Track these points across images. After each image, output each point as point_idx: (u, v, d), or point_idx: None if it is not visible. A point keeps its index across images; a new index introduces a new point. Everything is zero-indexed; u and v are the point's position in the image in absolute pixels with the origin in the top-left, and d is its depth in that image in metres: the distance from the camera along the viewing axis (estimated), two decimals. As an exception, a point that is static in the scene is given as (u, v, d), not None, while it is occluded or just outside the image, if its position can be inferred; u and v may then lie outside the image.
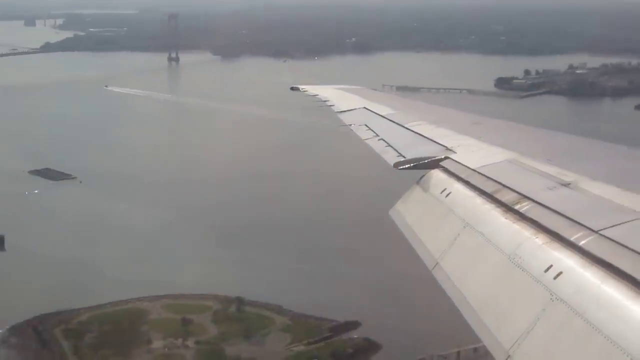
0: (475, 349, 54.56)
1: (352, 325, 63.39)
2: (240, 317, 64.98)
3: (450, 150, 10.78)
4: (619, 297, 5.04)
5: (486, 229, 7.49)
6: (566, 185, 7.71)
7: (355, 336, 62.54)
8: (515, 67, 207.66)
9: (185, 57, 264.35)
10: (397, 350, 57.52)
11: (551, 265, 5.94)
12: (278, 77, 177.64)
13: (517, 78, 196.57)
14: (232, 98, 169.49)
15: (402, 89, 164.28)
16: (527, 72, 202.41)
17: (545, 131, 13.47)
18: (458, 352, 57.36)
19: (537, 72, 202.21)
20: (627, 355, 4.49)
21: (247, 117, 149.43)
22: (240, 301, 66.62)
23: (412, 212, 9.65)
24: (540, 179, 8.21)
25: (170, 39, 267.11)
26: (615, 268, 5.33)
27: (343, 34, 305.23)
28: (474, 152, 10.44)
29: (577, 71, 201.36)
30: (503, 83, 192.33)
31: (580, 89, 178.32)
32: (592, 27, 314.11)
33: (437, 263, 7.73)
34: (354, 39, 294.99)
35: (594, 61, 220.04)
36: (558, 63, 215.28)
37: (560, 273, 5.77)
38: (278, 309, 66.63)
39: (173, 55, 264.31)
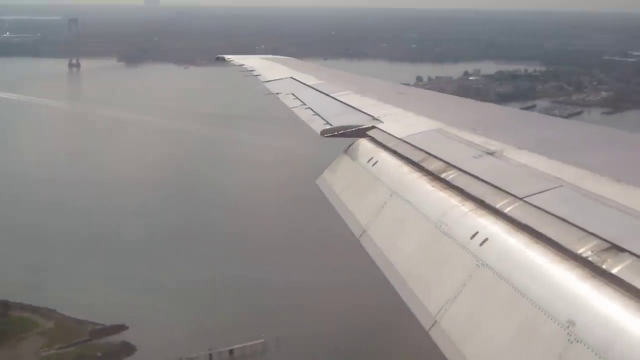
0: (231, 351, 54.90)
1: (116, 328, 59.80)
2: (1, 322, 60.58)
3: (377, 119, 10.91)
4: (543, 262, 5.22)
5: (413, 197, 7.57)
6: (491, 154, 7.86)
7: (115, 340, 58.80)
8: (415, 73, 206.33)
9: (88, 63, 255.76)
10: (150, 353, 54.86)
11: (477, 232, 6.09)
12: (176, 83, 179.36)
13: (408, 84, 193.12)
14: (123, 104, 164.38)
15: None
16: (418, 79, 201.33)
17: (470, 101, 13.64)
18: (210, 355, 54.88)
19: (430, 79, 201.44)
20: (551, 318, 4.65)
21: (135, 123, 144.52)
22: (4, 305, 62.29)
23: (339, 181, 9.67)
24: (465, 147, 8.34)
25: (71, 44, 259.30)
26: (539, 234, 5.53)
27: (255, 41, 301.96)
28: (399, 122, 10.58)
29: (470, 78, 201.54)
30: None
31: (466, 94, 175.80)
32: (503, 35, 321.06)
33: (364, 231, 7.75)
34: (263, 46, 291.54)
35: (496, 68, 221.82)
36: (459, 69, 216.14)
37: (486, 240, 5.92)
38: (47, 313, 62.40)
39: (74, 61, 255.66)
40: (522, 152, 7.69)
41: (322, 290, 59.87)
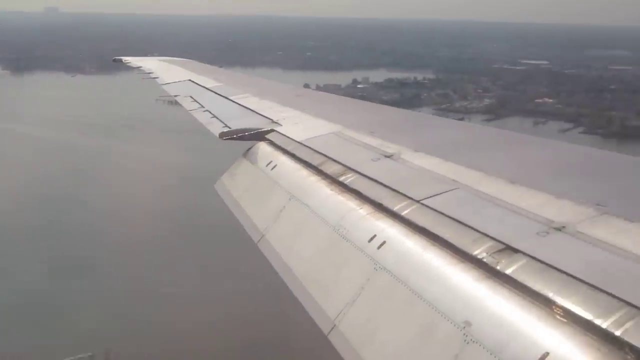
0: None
1: None
2: None
3: (276, 122, 11.00)
4: (439, 264, 5.31)
5: (312, 201, 7.63)
6: (389, 156, 7.96)
7: None
8: (307, 81, 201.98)
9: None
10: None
11: (375, 235, 6.14)
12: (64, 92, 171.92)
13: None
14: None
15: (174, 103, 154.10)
16: (306, 86, 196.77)
17: (368, 104, 14.01)
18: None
19: (318, 86, 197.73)
20: (447, 320, 4.73)
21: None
22: None
23: (238, 186, 9.65)
24: (363, 150, 8.43)
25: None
26: (436, 236, 5.62)
27: (149, 48, 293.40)
28: (298, 124, 10.65)
29: (359, 85, 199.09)
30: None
31: None
32: (401, 44, 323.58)
33: (262, 236, 7.78)
34: (156, 54, 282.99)
35: (388, 75, 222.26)
36: (351, 77, 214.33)
37: (384, 242, 5.97)
38: None
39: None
40: (419, 155, 7.80)
41: (206, 299, 55.99)
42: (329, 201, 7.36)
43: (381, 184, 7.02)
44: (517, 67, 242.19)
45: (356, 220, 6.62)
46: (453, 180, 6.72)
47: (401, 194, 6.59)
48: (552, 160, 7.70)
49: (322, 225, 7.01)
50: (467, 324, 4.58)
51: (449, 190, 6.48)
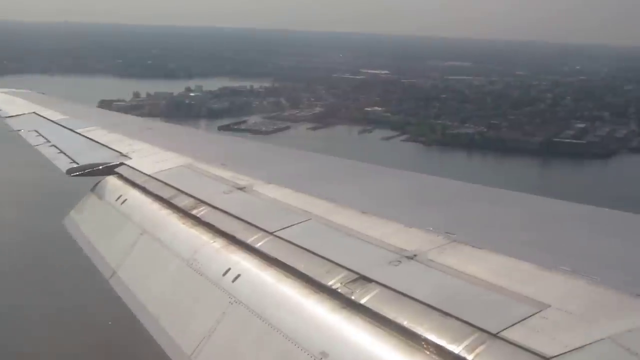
0: None
1: None
2: None
3: (125, 155, 10.79)
4: (294, 296, 5.37)
5: (164, 235, 7.54)
6: (241, 189, 8.05)
7: None
8: (137, 89, 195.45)
9: None
10: None
11: (229, 269, 6.15)
12: None
13: (123, 100, 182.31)
14: None
15: None
16: (136, 94, 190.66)
17: (217, 136, 15.27)
18: None
19: (148, 95, 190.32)
20: (304, 351, 4.78)
21: None
22: None
23: (87, 221, 9.37)
24: (215, 183, 8.48)
25: None
26: (291, 267, 5.68)
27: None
28: (148, 158, 10.48)
29: (191, 94, 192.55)
30: (105, 105, 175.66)
31: (176, 110, 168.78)
32: (245, 53, 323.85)
33: (114, 272, 7.57)
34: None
35: (226, 84, 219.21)
36: (187, 85, 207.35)
37: (239, 276, 6.01)
38: None
39: None
40: (271, 187, 7.90)
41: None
42: (181, 235, 7.27)
43: (234, 216, 7.02)
44: (357, 77, 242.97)
45: (210, 254, 6.59)
46: (305, 211, 6.79)
47: (254, 226, 6.61)
48: (402, 190, 7.99)
49: (175, 259, 6.88)
50: (324, 354, 4.62)
51: (302, 222, 6.52)
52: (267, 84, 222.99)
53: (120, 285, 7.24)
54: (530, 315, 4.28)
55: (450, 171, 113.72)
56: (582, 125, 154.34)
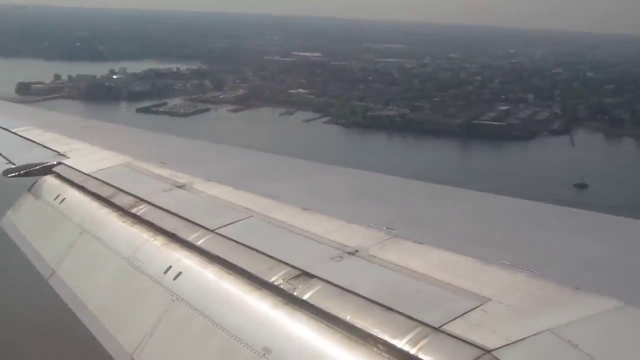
0: None
1: None
2: None
3: (63, 155, 10.57)
4: (237, 293, 5.37)
5: (104, 234, 7.50)
6: (181, 186, 7.99)
7: None
8: (61, 71, 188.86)
9: None
10: None
11: (170, 267, 6.10)
12: None
13: (42, 83, 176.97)
14: None
15: None
16: (56, 77, 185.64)
17: (157, 134, 14.09)
18: None
19: (70, 77, 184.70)
20: (247, 347, 4.78)
21: None
22: None
23: (25, 221, 9.24)
24: (155, 181, 8.39)
25: None
26: (232, 265, 5.66)
27: None
28: (87, 156, 10.35)
29: (114, 76, 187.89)
30: (23, 88, 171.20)
31: (97, 93, 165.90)
32: (176, 35, 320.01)
33: (53, 272, 7.48)
34: None
35: (154, 66, 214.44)
36: (115, 68, 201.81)
37: (180, 273, 5.95)
38: None
39: None
40: (211, 184, 7.86)
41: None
42: (122, 233, 7.23)
43: (175, 214, 6.96)
44: (287, 59, 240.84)
45: (151, 252, 6.54)
46: (246, 208, 6.79)
47: (195, 223, 6.58)
48: (343, 186, 7.99)
49: (116, 258, 6.84)
50: (267, 350, 4.63)
51: (243, 219, 6.52)
52: (195, 66, 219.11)
53: (60, 285, 7.13)
54: (472, 309, 4.34)
55: (367, 152, 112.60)
56: (505, 108, 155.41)
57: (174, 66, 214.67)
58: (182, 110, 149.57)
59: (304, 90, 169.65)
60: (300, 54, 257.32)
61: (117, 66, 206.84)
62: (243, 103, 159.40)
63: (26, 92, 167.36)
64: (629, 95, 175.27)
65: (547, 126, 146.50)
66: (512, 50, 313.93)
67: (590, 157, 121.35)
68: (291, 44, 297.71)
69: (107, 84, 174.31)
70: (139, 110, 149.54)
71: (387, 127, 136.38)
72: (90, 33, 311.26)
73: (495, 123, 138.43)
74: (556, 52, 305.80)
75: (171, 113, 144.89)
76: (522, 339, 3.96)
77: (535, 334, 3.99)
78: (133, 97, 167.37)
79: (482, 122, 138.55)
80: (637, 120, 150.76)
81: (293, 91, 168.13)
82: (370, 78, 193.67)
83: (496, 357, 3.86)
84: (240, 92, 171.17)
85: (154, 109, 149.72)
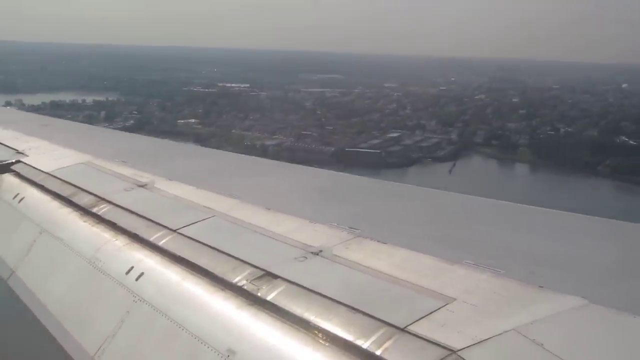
0: None
1: None
2: None
3: (22, 153, 10.48)
4: (200, 293, 5.28)
5: (64, 233, 7.31)
6: (142, 186, 7.91)
7: None
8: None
9: None
10: None
11: (132, 267, 5.99)
12: None
13: None
14: None
15: None
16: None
17: (117, 133, 14.29)
18: None
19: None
20: (211, 349, 4.70)
21: None
22: None
23: None
24: (116, 180, 8.29)
25: None
26: (195, 265, 5.60)
27: None
28: (46, 155, 10.19)
29: (8, 107, 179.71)
30: None
31: None
32: (113, 70, 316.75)
33: (12, 272, 7.28)
34: None
35: (70, 97, 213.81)
36: (30, 100, 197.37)
37: (142, 274, 5.85)
38: None
39: None
40: (173, 184, 7.79)
41: None
42: (82, 233, 7.07)
43: (136, 214, 6.88)
44: (209, 90, 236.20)
45: (112, 252, 6.42)
46: (209, 208, 6.72)
47: (157, 223, 6.48)
48: (305, 185, 8.08)
49: (76, 258, 6.69)
50: (231, 352, 4.56)
51: (205, 219, 6.43)
52: (111, 97, 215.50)
53: (20, 286, 6.96)
54: (437, 309, 4.34)
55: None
56: (395, 135, 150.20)
57: (91, 98, 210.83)
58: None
59: (194, 120, 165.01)
60: (226, 85, 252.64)
61: (29, 97, 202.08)
62: (136, 131, 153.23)
63: None
64: (537, 120, 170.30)
65: (433, 153, 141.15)
66: (452, 78, 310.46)
67: (458, 183, 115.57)
68: (225, 76, 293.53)
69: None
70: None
71: (258, 156, 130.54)
72: (20, 67, 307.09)
73: (369, 150, 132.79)
74: (499, 79, 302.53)
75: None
76: (487, 339, 3.95)
77: (500, 334, 3.97)
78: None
79: (357, 149, 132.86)
80: (533, 145, 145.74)
81: (182, 121, 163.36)
82: (269, 107, 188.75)
83: (462, 357, 3.84)
84: (129, 122, 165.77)
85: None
